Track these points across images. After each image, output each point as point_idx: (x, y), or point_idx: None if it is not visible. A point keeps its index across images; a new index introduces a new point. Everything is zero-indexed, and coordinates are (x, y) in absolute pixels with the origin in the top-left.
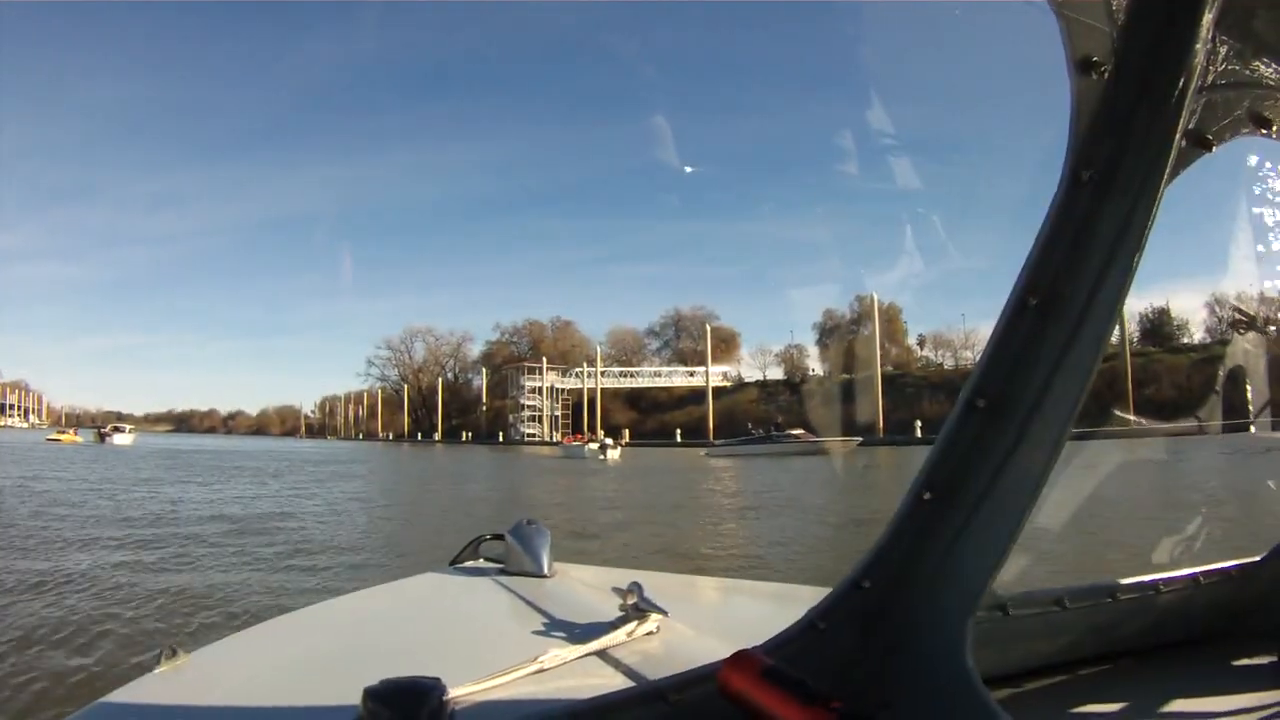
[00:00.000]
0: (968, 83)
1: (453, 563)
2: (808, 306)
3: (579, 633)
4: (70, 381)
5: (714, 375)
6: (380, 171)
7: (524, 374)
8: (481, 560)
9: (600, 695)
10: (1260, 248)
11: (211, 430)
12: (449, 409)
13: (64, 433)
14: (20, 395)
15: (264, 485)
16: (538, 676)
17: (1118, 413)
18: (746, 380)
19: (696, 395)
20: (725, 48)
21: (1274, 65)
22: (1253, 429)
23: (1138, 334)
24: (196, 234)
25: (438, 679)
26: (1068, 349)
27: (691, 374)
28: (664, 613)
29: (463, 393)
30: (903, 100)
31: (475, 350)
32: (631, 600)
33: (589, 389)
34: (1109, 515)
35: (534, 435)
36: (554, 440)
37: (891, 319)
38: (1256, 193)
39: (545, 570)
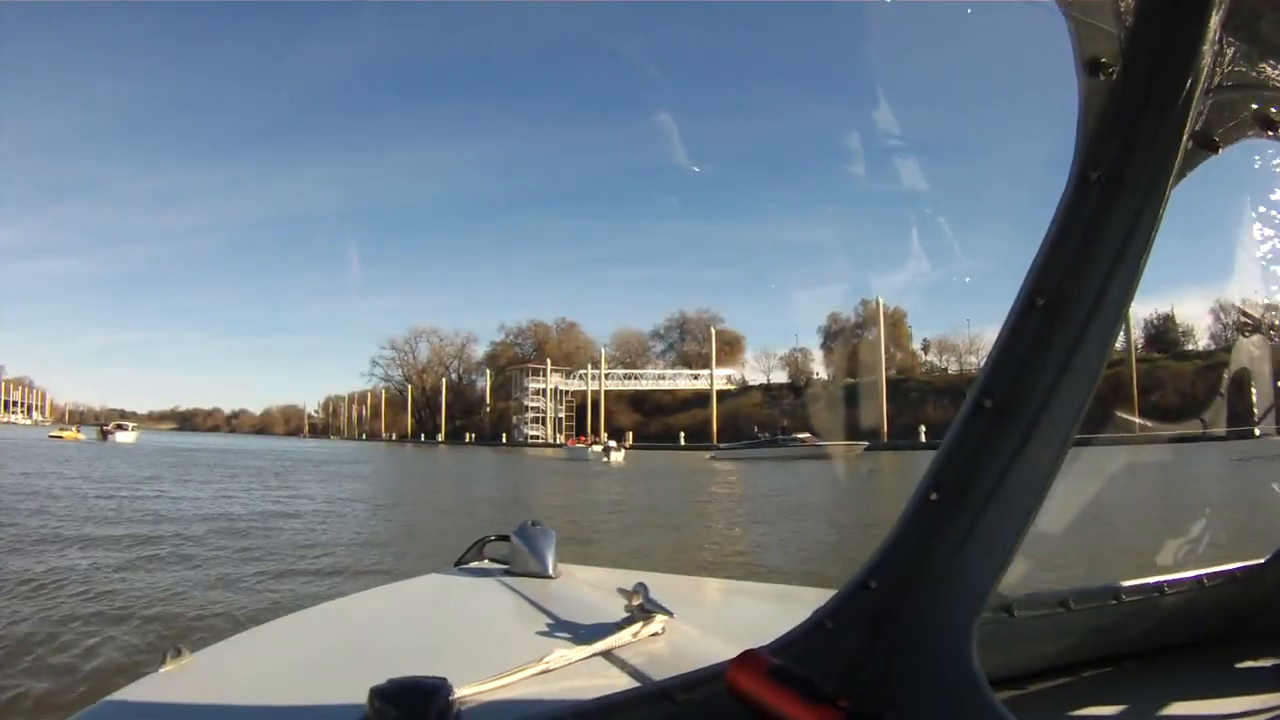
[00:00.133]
0: (974, 83)
1: (458, 563)
2: (812, 309)
3: (585, 633)
4: (73, 378)
5: (718, 378)
6: (381, 170)
7: (528, 376)
8: (486, 561)
9: (606, 695)
10: (1266, 251)
11: (215, 429)
12: (453, 410)
13: (66, 430)
14: (24, 392)
15: (267, 484)
16: (544, 677)
17: (1121, 414)
18: (750, 383)
19: (701, 398)
20: (727, 47)
21: None
22: (1257, 433)
23: (1142, 340)
24: (198, 231)
25: (444, 679)
26: (1075, 350)
27: (696, 377)
28: (669, 613)
29: (467, 394)
30: (908, 101)
31: (480, 351)
32: (637, 601)
33: (593, 391)
34: (1113, 518)
35: (537, 437)
36: (557, 442)
37: (896, 323)
38: (1262, 196)
39: (550, 571)
